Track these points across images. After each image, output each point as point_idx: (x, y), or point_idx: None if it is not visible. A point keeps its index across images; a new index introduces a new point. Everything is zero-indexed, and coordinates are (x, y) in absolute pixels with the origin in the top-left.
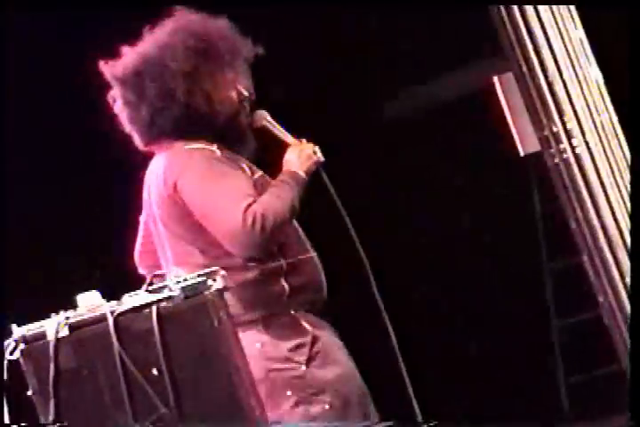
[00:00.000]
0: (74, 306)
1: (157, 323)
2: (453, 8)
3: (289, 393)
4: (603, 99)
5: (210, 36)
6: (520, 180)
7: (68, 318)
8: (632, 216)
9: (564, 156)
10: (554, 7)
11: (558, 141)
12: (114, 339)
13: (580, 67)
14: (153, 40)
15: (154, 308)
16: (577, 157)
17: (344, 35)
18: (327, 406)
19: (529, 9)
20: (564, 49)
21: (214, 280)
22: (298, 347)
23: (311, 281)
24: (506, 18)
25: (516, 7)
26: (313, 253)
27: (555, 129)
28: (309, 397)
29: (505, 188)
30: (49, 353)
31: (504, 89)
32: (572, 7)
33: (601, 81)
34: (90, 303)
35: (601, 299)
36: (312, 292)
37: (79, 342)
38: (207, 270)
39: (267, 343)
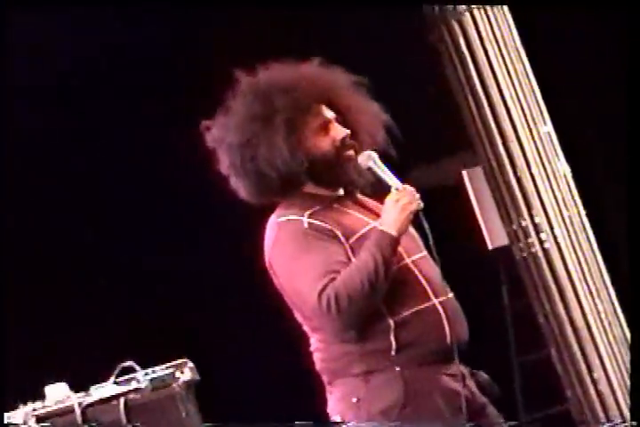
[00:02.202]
0: (42, 397)
1: (125, 415)
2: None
3: None
4: (571, 193)
5: (268, 96)
6: (489, 274)
7: (35, 409)
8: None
9: (533, 250)
10: (523, 102)
11: (527, 235)
12: None
13: (549, 161)
14: (221, 110)
15: (122, 400)
16: (545, 251)
17: None
18: None
19: (499, 105)
20: (533, 144)
21: (182, 372)
22: (387, 410)
23: (429, 333)
24: (475, 112)
25: (486, 103)
26: (438, 300)
27: (523, 223)
28: None
29: (473, 282)
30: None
31: (473, 183)
32: (541, 101)
33: (569, 175)
34: (57, 395)
35: (569, 393)
36: (429, 344)
37: None
38: (176, 362)
39: (362, 400)
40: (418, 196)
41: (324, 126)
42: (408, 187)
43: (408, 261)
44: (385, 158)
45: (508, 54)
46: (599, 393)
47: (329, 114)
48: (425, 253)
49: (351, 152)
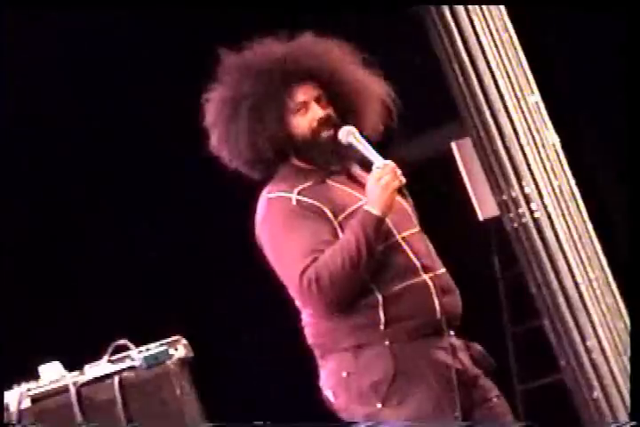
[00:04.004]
0: (36, 377)
1: (120, 393)
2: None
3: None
4: (560, 162)
5: (240, 81)
6: (480, 245)
7: (29, 389)
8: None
9: (523, 220)
10: (510, 73)
11: (517, 206)
12: (76, 410)
13: (537, 131)
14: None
15: (116, 378)
16: (536, 221)
17: None
18: None
19: (486, 76)
20: (521, 113)
21: (176, 349)
22: (377, 384)
23: (419, 307)
24: (463, 83)
25: (473, 74)
26: (428, 275)
27: (513, 194)
28: None
29: (465, 253)
30: (12, 425)
31: (462, 154)
32: (529, 72)
33: (558, 144)
34: (52, 374)
35: (563, 363)
36: (419, 318)
37: (42, 413)
38: (170, 339)
39: (352, 374)
40: (400, 172)
41: (303, 107)
42: (390, 163)
43: (398, 237)
44: (386, 133)
45: (495, 24)
46: (593, 362)
47: (310, 94)
48: (418, 228)
49: (331, 132)
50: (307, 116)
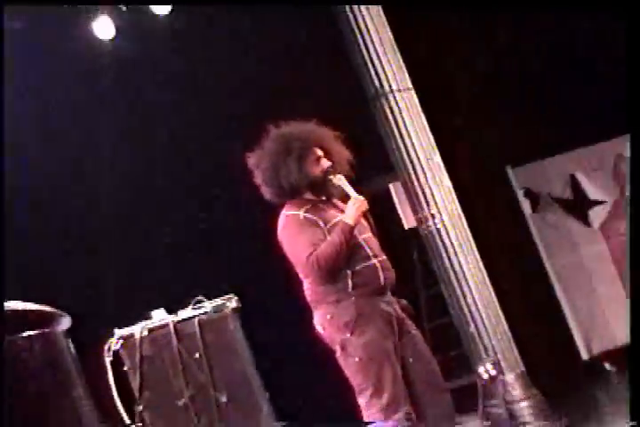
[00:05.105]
0: (150, 317)
1: (198, 328)
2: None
3: (337, 347)
4: (452, 196)
5: (287, 141)
6: (406, 243)
7: (146, 324)
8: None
9: (430, 229)
10: (423, 142)
11: (427, 220)
12: (173, 337)
13: (440, 178)
14: (258, 147)
15: (196, 319)
16: (438, 231)
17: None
18: (357, 359)
19: (410, 146)
20: (430, 168)
21: (231, 302)
22: (348, 322)
23: (370, 279)
24: (396, 151)
25: (402, 147)
26: (377, 260)
27: (425, 213)
28: (349, 352)
29: (397, 248)
30: (136, 345)
31: (396, 192)
32: (433, 141)
33: (450, 186)
34: (159, 316)
35: (452, 310)
36: (371, 285)
37: (154, 339)
38: (227, 296)
39: (333, 316)
40: (366, 202)
41: (317, 160)
42: (360, 197)
43: (360, 238)
44: (347, 178)
45: (418, 125)
46: (469, 309)
47: (319, 152)
48: (371, 233)
49: (332, 176)
50: (319, 165)
